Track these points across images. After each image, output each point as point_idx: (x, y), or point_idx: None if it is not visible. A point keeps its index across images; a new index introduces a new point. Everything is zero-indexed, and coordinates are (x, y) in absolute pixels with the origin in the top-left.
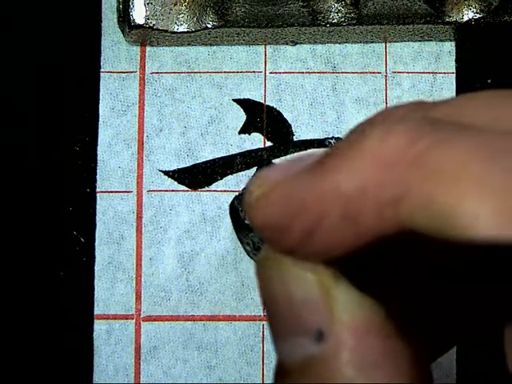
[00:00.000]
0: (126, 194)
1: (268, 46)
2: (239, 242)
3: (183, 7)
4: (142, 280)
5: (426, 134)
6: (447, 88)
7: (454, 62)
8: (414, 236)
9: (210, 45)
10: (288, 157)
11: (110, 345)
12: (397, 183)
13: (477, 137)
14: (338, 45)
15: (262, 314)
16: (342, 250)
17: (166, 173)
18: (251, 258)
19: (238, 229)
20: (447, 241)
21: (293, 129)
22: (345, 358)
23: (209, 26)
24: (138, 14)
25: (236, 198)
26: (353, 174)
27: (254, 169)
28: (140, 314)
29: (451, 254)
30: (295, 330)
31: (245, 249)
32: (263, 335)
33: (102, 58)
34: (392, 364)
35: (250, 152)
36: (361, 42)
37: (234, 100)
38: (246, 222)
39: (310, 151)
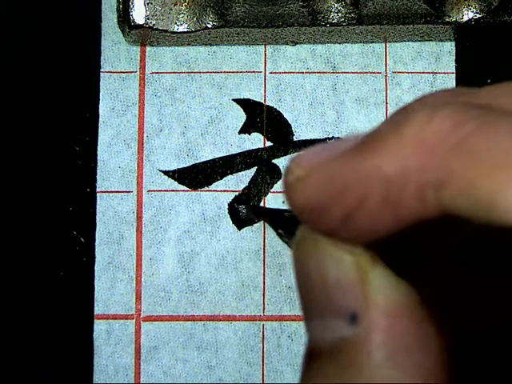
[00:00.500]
0: (126, 194)
1: (268, 46)
2: (273, 231)
3: (183, 7)
4: (142, 280)
5: (470, 119)
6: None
7: (453, 62)
8: (454, 220)
9: (210, 45)
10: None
11: (110, 345)
12: (439, 167)
13: None
14: (338, 45)
15: (261, 314)
16: (381, 233)
17: (166, 173)
18: (284, 242)
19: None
20: (488, 226)
21: (293, 129)
22: (377, 341)
23: (209, 26)
24: (138, 14)
25: (236, 197)
26: (395, 156)
27: (254, 169)
28: (140, 314)
29: (490, 241)
30: (328, 312)
31: (277, 233)
32: (263, 335)
33: (102, 57)
34: (423, 349)
35: (249, 152)
36: (361, 42)
37: (234, 100)
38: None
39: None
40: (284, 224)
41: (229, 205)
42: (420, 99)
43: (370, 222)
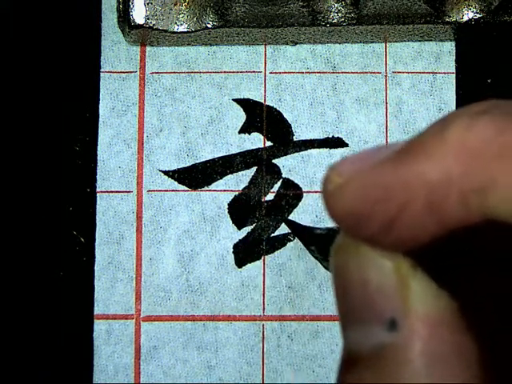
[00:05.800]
0: (126, 194)
1: (268, 46)
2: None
3: (183, 7)
4: (142, 280)
5: None
6: (447, 88)
7: (453, 62)
8: (498, 228)
9: (210, 45)
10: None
11: (109, 345)
12: (483, 173)
13: None
14: (338, 45)
15: (261, 314)
16: (423, 239)
17: (166, 173)
18: (315, 258)
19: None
20: None
21: (293, 129)
22: (417, 349)
23: (209, 26)
24: (138, 14)
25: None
26: (438, 162)
27: (254, 169)
28: (140, 314)
29: None
30: (367, 318)
31: (309, 249)
32: (263, 335)
33: (102, 57)
34: (460, 359)
35: (249, 152)
36: (361, 42)
37: (234, 100)
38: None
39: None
40: (316, 241)
41: (229, 205)
42: (456, 111)
43: (412, 229)
